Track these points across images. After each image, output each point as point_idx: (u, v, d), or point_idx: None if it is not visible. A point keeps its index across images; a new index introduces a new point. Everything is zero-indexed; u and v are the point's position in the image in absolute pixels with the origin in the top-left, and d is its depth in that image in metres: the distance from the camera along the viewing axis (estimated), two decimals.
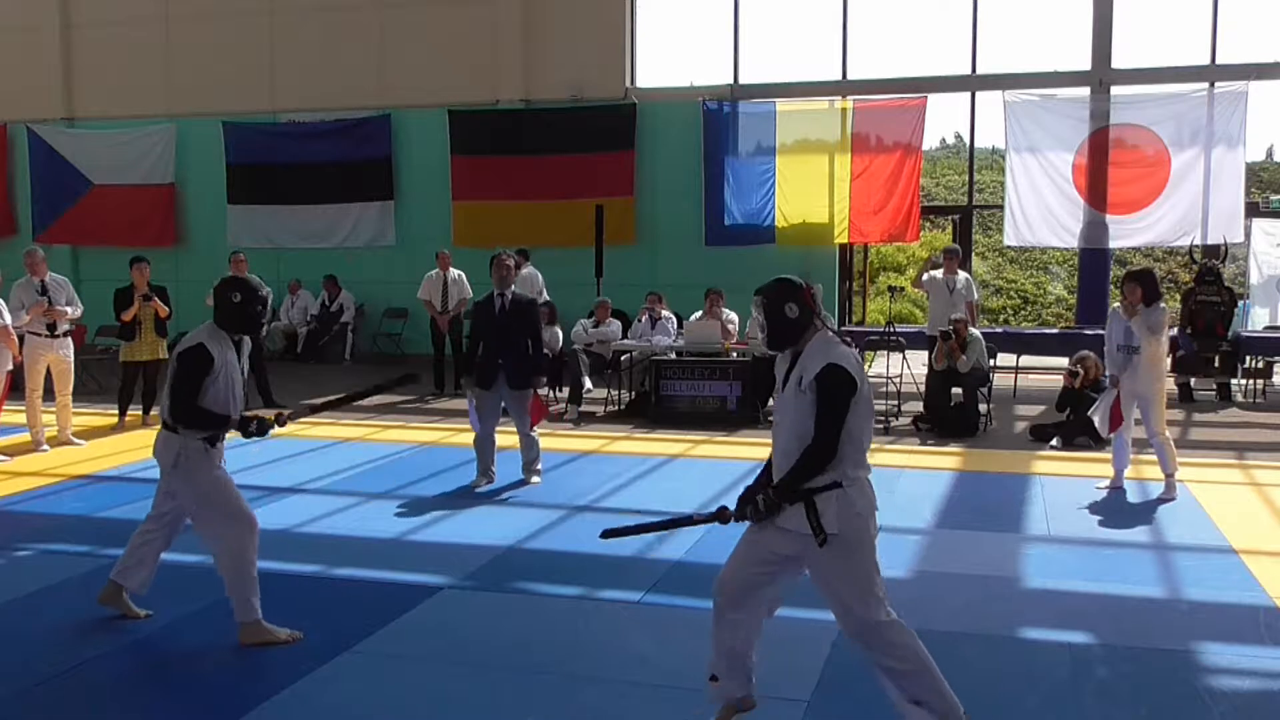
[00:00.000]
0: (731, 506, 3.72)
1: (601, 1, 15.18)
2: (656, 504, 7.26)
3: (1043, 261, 23.13)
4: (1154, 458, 8.19)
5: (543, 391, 11.85)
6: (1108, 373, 7.91)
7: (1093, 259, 14.03)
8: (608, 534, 4.12)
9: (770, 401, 11.33)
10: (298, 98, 16.17)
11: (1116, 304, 7.76)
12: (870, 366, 13.40)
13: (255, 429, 4.83)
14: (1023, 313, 22.36)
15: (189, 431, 4.71)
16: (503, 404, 7.84)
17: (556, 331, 12.01)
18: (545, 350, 11.59)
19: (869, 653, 3.62)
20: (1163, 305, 7.52)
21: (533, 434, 7.90)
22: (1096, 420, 7.84)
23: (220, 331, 4.81)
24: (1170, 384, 12.10)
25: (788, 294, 3.67)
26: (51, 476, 8.32)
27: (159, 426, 4.87)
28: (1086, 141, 13.80)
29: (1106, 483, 7.72)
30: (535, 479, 7.84)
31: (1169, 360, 12.18)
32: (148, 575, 5.03)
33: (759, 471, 3.84)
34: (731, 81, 15.08)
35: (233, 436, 4.89)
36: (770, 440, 3.77)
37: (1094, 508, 7.25)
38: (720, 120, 14.68)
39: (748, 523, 3.71)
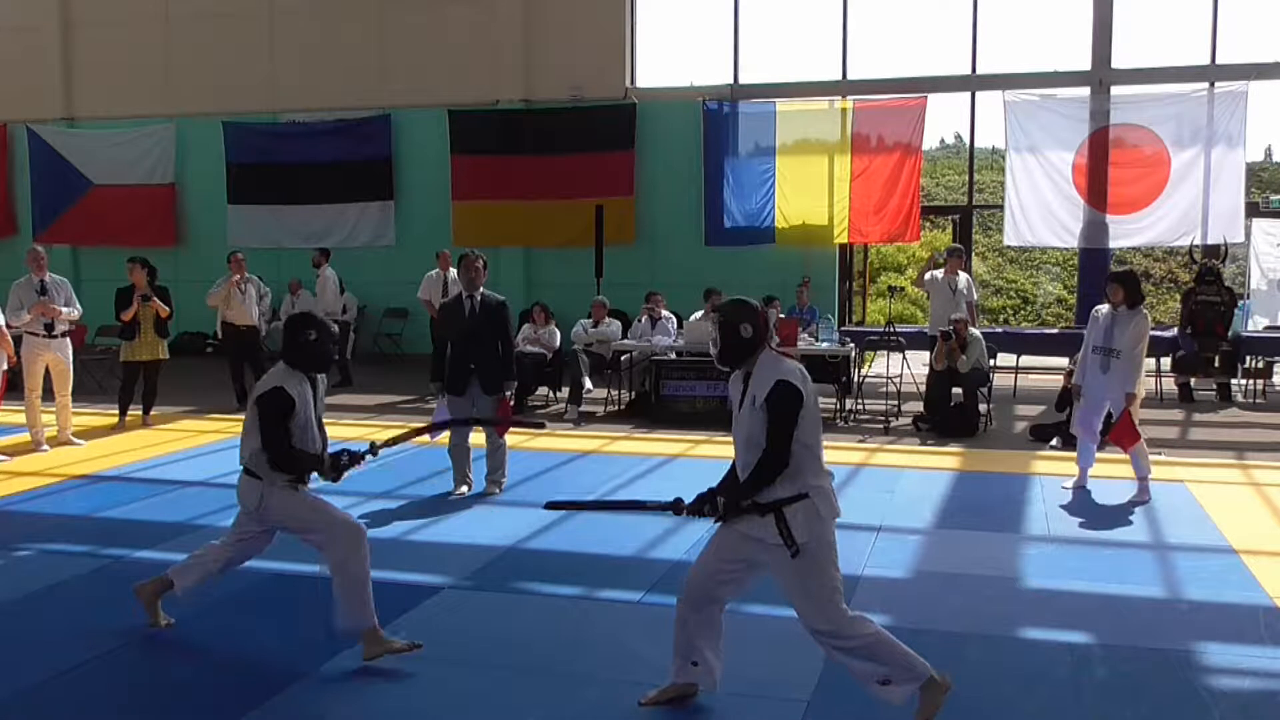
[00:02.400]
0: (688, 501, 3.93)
1: (601, 1, 15.19)
2: None
3: (1040, 261, 23.12)
4: (1157, 457, 8.20)
5: (543, 391, 12.05)
6: (1074, 381, 7.81)
7: (1093, 259, 14.03)
8: (551, 505, 4.51)
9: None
10: (298, 98, 16.18)
11: (1101, 305, 7.65)
12: (870, 366, 13.41)
13: (346, 462, 4.69)
14: (1022, 313, 22.35)
15: (275, 475, 4.60)
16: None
17: (555, 331, 12.01)
18: (543, 350, 11.72)
19: (830, 648, 3.82)
20: (1144, 310, 7.43)
21: (501, 442, 7.62)
22: (1080, 431, 7.82)
23: (294, 371, 4.68)
24: (1170, 384, 12.16)
25: (744, 315, 3.88)
26: (51, 476, 8.32)
27: (241, 473, 4.71)
28: (1086, 141, 13.82)
29: (1071, 482, 7.69)
30: (496, 490, 7.58)
31: (1169, 360, 12.26)
32: (195, 581, 4.81)
33: (723, 477, 4.01)
34: (731, 81, 15.09)
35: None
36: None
37: (1094, 508, 7.25)
38: (720, 120, 14.69)
39: (700, 519, 3.97)
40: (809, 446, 3.75)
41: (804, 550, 3.70)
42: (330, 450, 4.79)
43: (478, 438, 7.68)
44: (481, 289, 7.54)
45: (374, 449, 4.79)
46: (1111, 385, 7.39)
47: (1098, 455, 7.78)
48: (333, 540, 4.60)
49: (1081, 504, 7.34)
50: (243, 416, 4.82)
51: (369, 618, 4.54)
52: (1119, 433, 7.38)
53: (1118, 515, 7.06)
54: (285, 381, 4.62)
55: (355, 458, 4.72)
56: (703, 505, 3.86)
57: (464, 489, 7.59)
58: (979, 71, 14.52)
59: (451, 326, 7.59)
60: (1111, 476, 7.80)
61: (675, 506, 3.94)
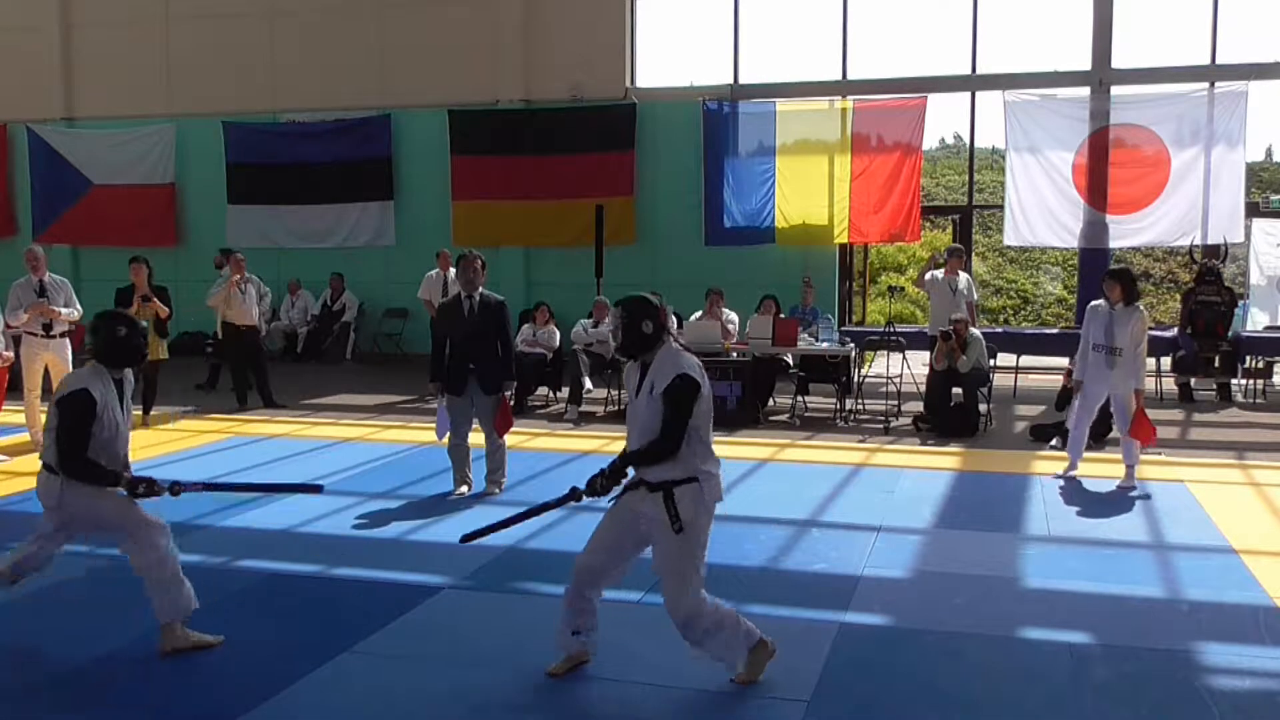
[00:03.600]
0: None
1: (601, 1, 15.18)
2: None
3: (1040, 261, 23.12)
4: (1157, 456, 8.21)
5: (543, 391, 12.06)
6: (1074, 377, 7.94)
7: (1093, 259, 14.02)
8: (467, 538, 4.64)
9: (770, 402, 11.39)
10: (298, 98, 16.17)
11: (1097, 302, 7.78)
12: (870, 366, 13.41)
13: (143, 491, 4.55)
14: (1022, 313, 22.35)
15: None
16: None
17: (554, 331, 12.01)
18: (543, 350, 11.73)
19: (682, 629, 4.14)
20: (1141, 307, 7.56)
21: (501, 442, 7.59)
22: (1070, 425, 7.99)
23: (101, 369, 4.58)
24: (1170, 384, 12.16)
25: (645, 312, 4.18)
26: None
27: (40, 467, 4.70)
28: (1086, 141, 13.80)
29: (1063, 469, 7.84)
30: (496, 490, 7.55)
31: (1168, 360, 12.27)
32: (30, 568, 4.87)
33: (612, 460, 4.26)
34: (731, 81, 15.07)
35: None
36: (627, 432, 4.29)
37: (1094, 508, 7.25)
38: (720, 120, 14.68)
39: (599, 499, 4.25)
40: (703, 436, 4.08)
41: (686, 529, 4.00)
42: (135, 474, 4.67)
43: (477, 438, 7.67)
44: (481, 289, 7.54)
45: (174, 489, 4.62)
46: (1116, 381, 7.59)
47: (1098, 455, 7.81)
48: (142, 545, 4.56)
49: (1082, 503, 7.34)
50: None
51: (172, 609, 4.59)
52: (1137, 429, 7.61)
53: (1118, 515, 7.06)
54: (90, 383, 4.52)
55: (154, 489, 4.57)
56: (595, 483, 4.19)
57: (464, 489, 7.57)
58: (979, 71, 14.50)
59: (450, 326, 7.57)
60: (1111, 476, 7.81)
61: (574, 495, 4.26)
